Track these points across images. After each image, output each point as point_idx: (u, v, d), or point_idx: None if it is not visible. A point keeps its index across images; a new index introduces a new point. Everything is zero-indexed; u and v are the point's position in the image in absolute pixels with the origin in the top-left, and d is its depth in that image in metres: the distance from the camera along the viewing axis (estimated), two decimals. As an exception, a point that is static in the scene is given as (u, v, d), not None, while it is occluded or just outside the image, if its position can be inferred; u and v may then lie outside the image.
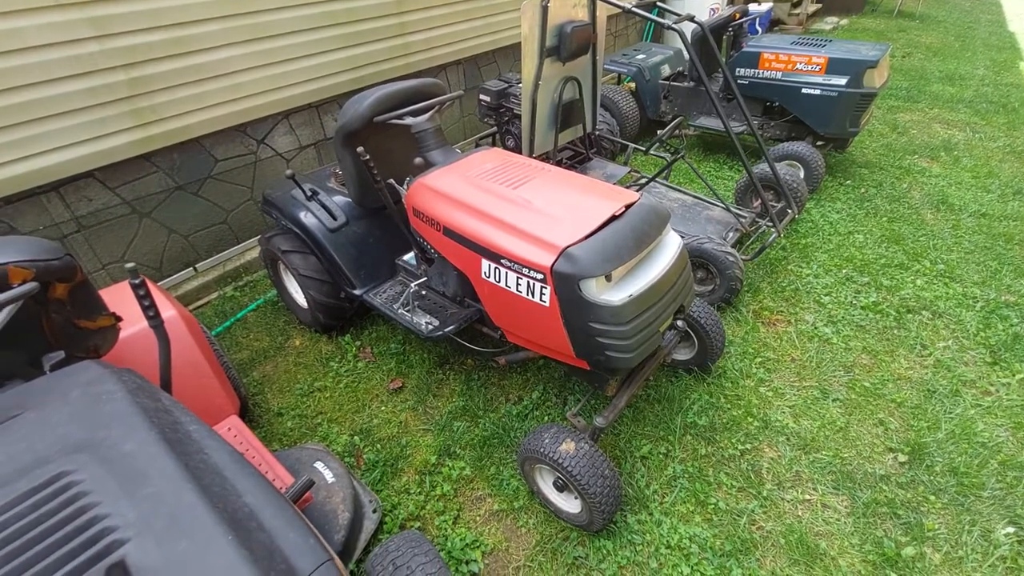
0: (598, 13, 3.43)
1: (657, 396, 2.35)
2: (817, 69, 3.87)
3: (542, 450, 1.77)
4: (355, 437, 2.25)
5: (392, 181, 2.20)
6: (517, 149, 3.63)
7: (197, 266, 3.30)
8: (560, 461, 1.72)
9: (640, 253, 1.73)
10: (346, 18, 3.60)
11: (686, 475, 2.03)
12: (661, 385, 2.41)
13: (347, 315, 2.73)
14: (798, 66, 3.94)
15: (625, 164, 3.97)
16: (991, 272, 3.14)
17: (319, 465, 1.85)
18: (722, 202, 3.31)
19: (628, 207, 1.79)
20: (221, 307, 3.13)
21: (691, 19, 3.03)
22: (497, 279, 1.82)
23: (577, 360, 1.83)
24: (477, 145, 4.12)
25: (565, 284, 1.64)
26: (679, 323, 2.24)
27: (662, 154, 3.71)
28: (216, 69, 3.03)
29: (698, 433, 2.19)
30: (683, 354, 2.46)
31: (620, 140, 4.09)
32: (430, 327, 2.22)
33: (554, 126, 3.61)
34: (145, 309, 1.31)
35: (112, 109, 2.67)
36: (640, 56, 4.91)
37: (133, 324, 1.78)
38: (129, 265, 1.25)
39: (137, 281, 1.26)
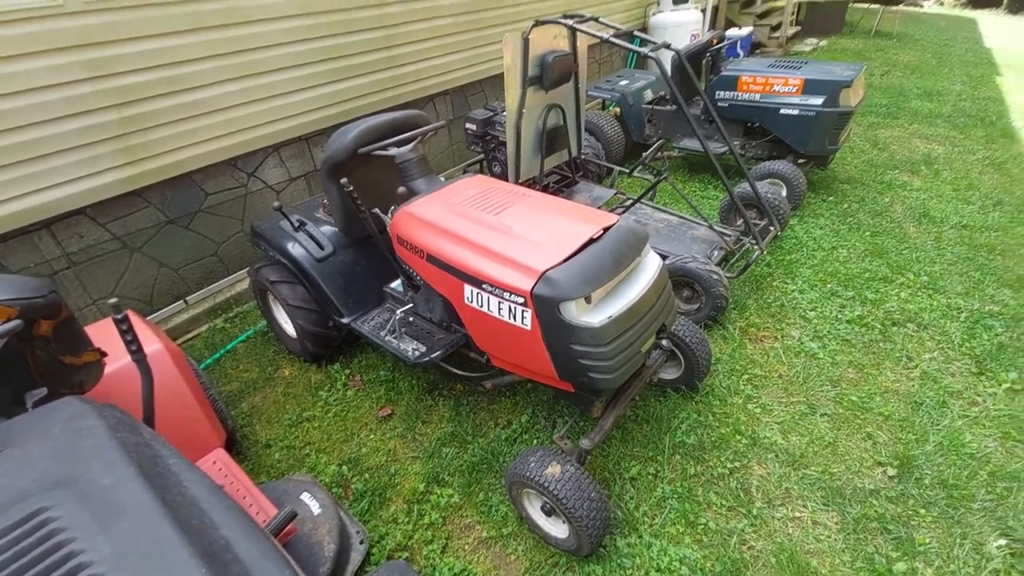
0: (579, 43, 3.55)
1: (645, 416, 2.35)
2: (794, 90, 3.98)
3: (528, 474, 1.76)
4: (343, 467, 2.24)
5: (377, 210, 2.24)
6: (504, 175, 3.70)
7: (188, 299, 3.32)
8: (546, 485, 1.72)
9: (619, 274, 1.76)
10: (336, 53, 3.70)
11: (675, 495, 2.02)
12: (649, 405, 2.42)
13: (336, 343, 2.74)
14: (775, 88, 4.05)
15: (611, 187, 4.05)
16: (974, 283, 3.18)
17: (306, 496, 1.84)
18: (706, 221, 3.36)
19: (606, 230, 1.83)
20: (211, 339, 3.14)
21: (667, 47, 3.13)
22: (480, 304, 1.85)
23: (561, 382, 1.84)
24: (465, 172, 4.21)
25: (545, 307, 1.67)
26: (664, 342, 2.27)
27: (647, 176, 3.78)
28: (208, 106, 3.11)
29: (687, 452, 2.19)
30: (670, 373, 2.47)
31: (605, 163, 4.17)
32: (416, 353, 2.23)
33: (539, 152, 3.69)
34: (128, 344, 1.33)
35: (104, 147, 2.73)
36: (623, 82, 5.04)
37: (118, 359, 1.79)
38: (112, 300, 1.27)
39: (120, 316, 1.28)
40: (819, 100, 3.88)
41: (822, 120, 3.91)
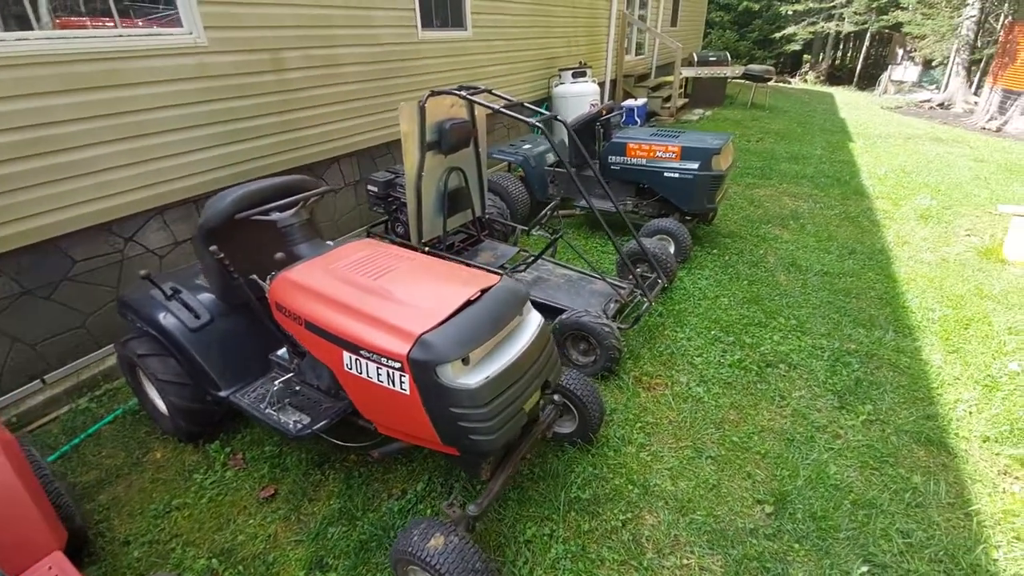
0: (477, 111, 3.75)
1: (542, 473, 2.35)
2: (673, 156, 4.40)
3: (410, 549, 1.68)
4: (213, 560, 2.01)
5: (255, 276, 2.16)
6: (407, 236, 3.73)
7: (45, 377, 2.96)
8: (428, 559, 1.64)
9: (497, 334, 1.79)
10: (229, 116, 3.65)
11: (569, 555, 2.00)
12: (547, 461, 2.42)
13: (216, 419, 2.54)
14: (658, 154, 4.47)
15: (515, 244, 4.19)
16: (834, 324, 3.55)
17: (159, 600, 1.63)
18: (601, 276, 3.54)
19: (484, 291, 1.87)
20: (71, 422, 2.79)
21: (554, 118, 3.39)
22: (359, 370, 1.80)
23: (445, 447, 1.81)
24: (369, 233, 4.20)
25: (422, 371, 1.65)
26: (556, 397, 2.31)
27: (546, 234, 3.96)
28: (79, 168, 2.92)
29: (582, 508, 2.19)
30: (566, 427, 2.50)
31: (509, 223, 4.33)
32: (298, 426, 2.11)
33: (442, 212, 3.77)
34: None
35: (-57, 214, 2.46)
36: (527, 146, 5.34)
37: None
38: None
39: None
40: (695, 165, 4.32)
41: (699, 182, 4.33)
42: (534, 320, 2.00)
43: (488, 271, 3.57)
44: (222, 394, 2.35)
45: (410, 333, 1.67)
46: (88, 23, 2.97)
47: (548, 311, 3.51)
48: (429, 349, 1.64)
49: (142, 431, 2.72)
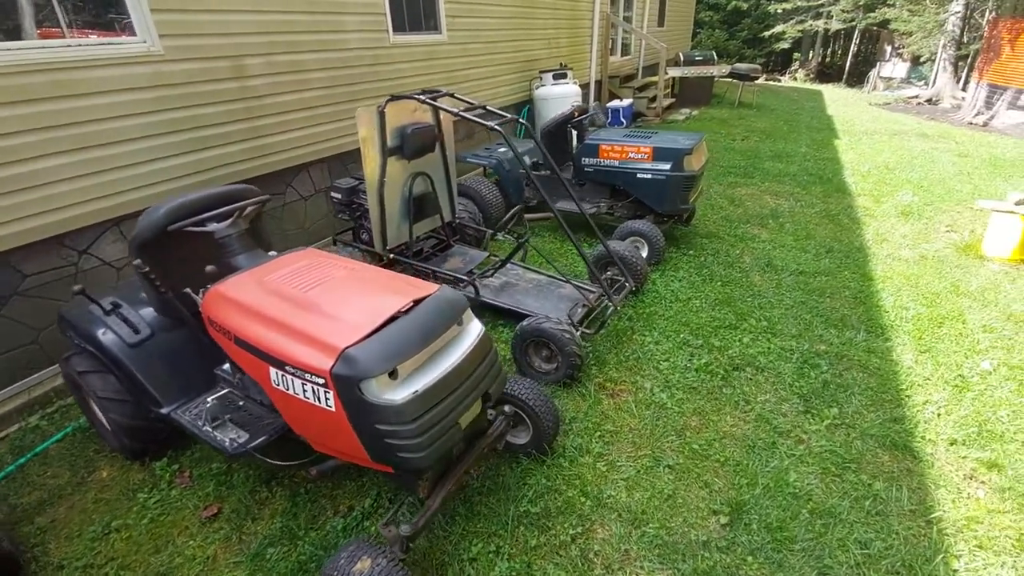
0: (443, 116, 3.70)
1: (493, 486, 2.28)
2: (645, 157, 4.35)
3: (335, 574, 1.61)
4: (147, 584, 1.95)
5: (189, 290, 2.10)
6: (373, 243, 3.66)
7: (-6, 396, 2.89)
8: (354, 584, 1.58)
9: (428, 346, 1.73)
10: (190, 124, 3.59)
11: (513, 573, 1.93)
12: (500, 473, 2.35)
13: (162, 436, 2.46)
14: (630, 155, 4.41)
15: (484, 249, 4.13)
16: (806, 324, 3.49)
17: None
18: (567, 280, 3.47)
19: (418, 301, 1.81)
20: (20, 441, 2.72)
21: (518, 121, 3.33)
22: (286, 387, 1.74)
23: (377, 464, 1.74)
24: (335, 241, 4.13)
25: (346, 387, 1.59)
26: (506, 408, 2.25)
27: (512, 237, 3.91)
28: (28, 181, 2.86)
29: (531, 522, 2.12)
30: (520, 437, 2.43)
31: (479, 227, 4.27)
32: (235, 444, 2.05)
33: (407, 219, 3.71)
34: None
35: None
36: (501, 149, 5.28)
37: None
38: None
39: None
40: (667, 165, 4.26)
41: (671, 183, 4.28)
42: (474, 330, 1.93)
43: (453, 277, 3.54)
44: (163, 411, 2.28)
45: (333, 347, 1.61)
46: (37, 35, 2.91)
47: (514, 317, 3.45)
48: (352, 364, 1.57)
49: (91, 449, 2.66)
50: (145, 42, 3.27)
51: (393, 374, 1.64)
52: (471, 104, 3.41)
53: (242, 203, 2.20)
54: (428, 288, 1.91)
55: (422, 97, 3.26)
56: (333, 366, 1.59)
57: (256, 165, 4.12)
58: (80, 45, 2.98)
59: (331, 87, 4.58)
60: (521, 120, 3.28)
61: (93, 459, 2.61)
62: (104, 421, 2.45)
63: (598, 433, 2.58)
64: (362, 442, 1.66)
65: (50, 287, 3.08)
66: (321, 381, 1.62)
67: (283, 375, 1.72)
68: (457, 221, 4.27)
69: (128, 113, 3.24)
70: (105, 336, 2.28)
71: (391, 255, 3.71)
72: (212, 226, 2.16)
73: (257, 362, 1.80)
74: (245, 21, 3.77)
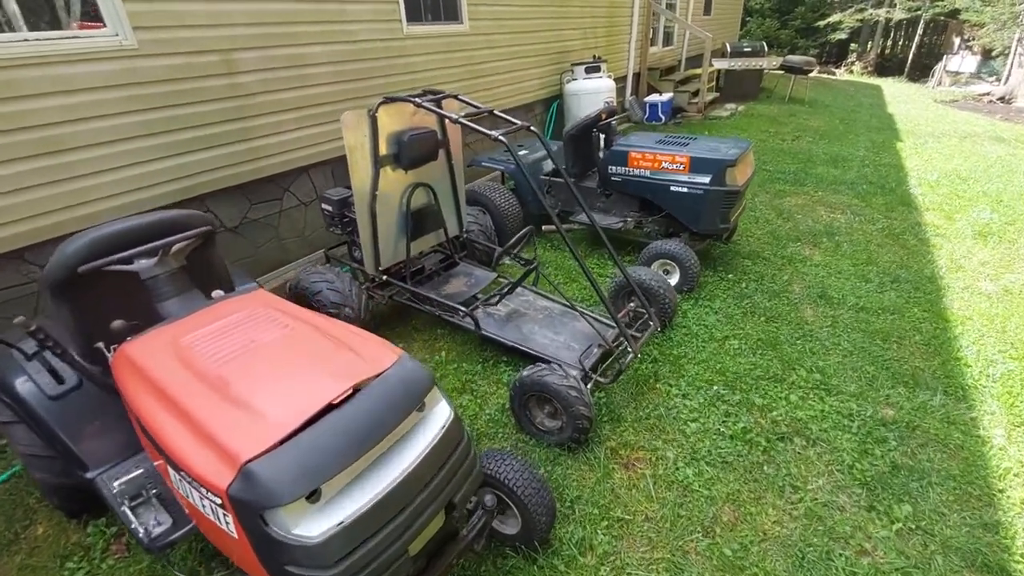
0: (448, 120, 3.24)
1: (469, 594, 1.85)
2: (681, 168, 3.79)
3: None
4: None
5: (101, 345, 1.73)
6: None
7: (-60, 427, 2.64)
8: None
9: (367, 453, 1.30)
10: (172, 126, 3.27)
11: None
12: (485, 572, 1.92)
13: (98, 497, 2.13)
14: (664, 165, 3.86)
15: (493, 269, 3.68)
16: (868, 380, 2.91)
17: None
18: (582, 313, 2.99)
19: (360, 386, 1.38)
20: (-39, 481, 2.46)
21: (528, 128, 2.84)
22: (186, 494, 1.34)
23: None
24: (327, 257, 3.75)
25: (246, 515, 1.18)
26: (487, 499, 1.80)
27: (520, 262, 3.45)
28: (-26, 192, 2.57)
29: (511, 652, 1.69)
30: (509, 527, 1.99)
31: (487, 244, 3.82)
32: (151, 534, 1.67)
33: (405, 235, 3.30)
34: None
35: None
36: (522, 152, 4.80)
37: None
38: None
39: None
40: (706, 179, 3.70)
41: (710, 199, 3.71)
42: (439, 417, 1.50)
43: (449, 305, 3.08)
44: (88, 475, 1.94)
45: (233, 457, 1.20)
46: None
47: (519, 355, 3.01)
48: (254, 485, 1.16)
49: (32, 497, 2.37)
50: (116, 35, 2.93)
51: (314, 495, 1.22)
52: (477, 107, 2.95)
53: (169, 239, 1.81)
54: (381, 361, 1.48)
55: (417, 100, 2.82)
56: (230, 485, 1.18)
57: (248, 169, 3.77)
58: (40, 40, 2.66)
59: (335, 83, 4.19)
60: (532, 128, 2.80)
61: (33, 509, 2.32)
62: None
63: (605, 522, 2.11)
64: (275, 581, 1.26)
65: (9, 306, 2.80)
66: (218, 501, 1.22)
67: (181, 480, 1.33)
68: (466, 235, 3.83)
69: (96, 115, 2.92)
70: (23, 385, 1.95)
71: (384, 276, 3.30)
72: (144, 262, 1.79)
73: (155, 454, 1.41)
74: (234, 11, 3.40)
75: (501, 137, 2.54)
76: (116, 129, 3.03)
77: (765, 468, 2.35)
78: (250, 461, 1.18)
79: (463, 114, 2.79)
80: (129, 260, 1.76)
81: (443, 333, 3.42)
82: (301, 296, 3.08)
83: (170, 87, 3.21)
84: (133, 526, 1.71)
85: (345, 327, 1.70)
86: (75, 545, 2.14)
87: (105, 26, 2.90)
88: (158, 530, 1.69)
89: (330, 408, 1.30)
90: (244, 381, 1.39)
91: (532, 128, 2.82)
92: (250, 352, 1.50)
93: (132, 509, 1.76)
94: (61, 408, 1.95)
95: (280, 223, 4.14)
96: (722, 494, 2.22)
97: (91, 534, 2.14)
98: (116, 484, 1.90)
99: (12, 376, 1.96)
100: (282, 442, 1.22)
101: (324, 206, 3.38)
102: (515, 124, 2.82)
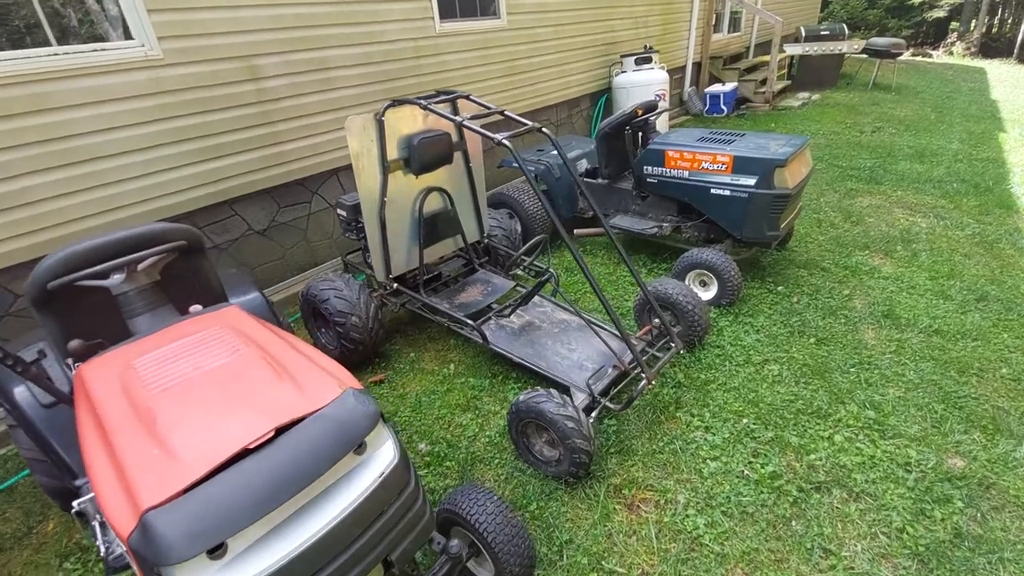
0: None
1: (433, 645, 1.70)
2: (723, 168, 3.42)
3: None
4: None
5: (70, 361, 1.73)
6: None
7: (-22, 422, 2.84)
8: None
9: (287, 501, 1.17)
10: (197, 133, 3.34)
11: None
12: (452, 619, 1.76)
13: (93, 502, 2.18)
14: (703, 165, 3.51)
15: (511, 277, 3.50)
16: (936, 421, 2.47)
17: None
18: (595, 331, 2.75)
19: (285, 428, 1.25)
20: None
21: (539, 130, 2.63)
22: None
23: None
24: (344, 263, 3.72)
25: (146, 569, 1.09)
26: (452, 544, 1.64)
27: (541, 266, 3.23)
28: (9, 201, 2.71)
29: None
30: (485, 571, 1.82)
31: (508, 249, 3.64)
32: (115, 553, 1.65)
33: (417, 242, 3.19)
34: None
35: None
36: (553, 152, 4.57)
37: None
38: None
39: None
40: (751, 181, 3.31)
41: (755, 203, 3.32)
42: (381, 460, 1.34)
43: (457, 318, 2.93)
44: (76, 483, 1.97)
45: (137, 505, 1.10)
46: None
47: (529, 372, 2.82)
48: (149, 539, 1.05)
49: (48, 493, 2.47)
50: (143, 45, 3.01)
51: (219, 549, 1.10)
52: (487, 107, 2.77)
53: (139, 254, 1.77)
54: (321, 396, 1.34)
55: (422, 102, 2.69)
56: (130, 535, 1.09)
57: (279, 172, 3.82)
58: (69, 53, 2.77)
59: (363, 85, 4.15)
60: (543, 129, 2.58)
61: (48, 505, 2.42)
62: (35, 479, 2.22)
63: (595, 574, 1.89)
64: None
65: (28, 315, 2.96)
66: (123, 548, 1.14)
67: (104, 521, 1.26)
68: (487, 240, 3.67)
69: (124, 124, 3.02)
70: (20, 393, 2.00)
71: (395, 284, 3.21)
72: (116, 277, 1.77)
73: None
74: (256, 17, 3.41)
75: (505, 141, 2.35)
76: (146, 137, 3.12)
77: (793, 524, 2.02)
78: (150, 510, 1.08)
79: (469, 116, 2.62)
80: (104, 275, 1.75)
81: (456, 344, 3.29)
82: (311, 304, 3.06)
83: (198, 94, 3.27)
84: (97, 542, 1.69)
85: (305, 353, 1.58)
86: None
87: (133, 38, 2.99)
88: (119, 550, 1.66)
89: (246, 452, 1.19)
90: (172, 414, 1.30)
91: (543, 129, 2.60)
92: (189, 380, 1.41)
93: (102, 525, 1.75)
94: (52, 416, 1.98)
95: (309, 226, 4.17)
96: (736, 552, 1.93)
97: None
98: (90, 497, 1.91)
99: (11, 384, 2.03)
100: (187, 490, 1.12)
101: (339, 211, 3.33)
102: (526, 124, 2.61)
